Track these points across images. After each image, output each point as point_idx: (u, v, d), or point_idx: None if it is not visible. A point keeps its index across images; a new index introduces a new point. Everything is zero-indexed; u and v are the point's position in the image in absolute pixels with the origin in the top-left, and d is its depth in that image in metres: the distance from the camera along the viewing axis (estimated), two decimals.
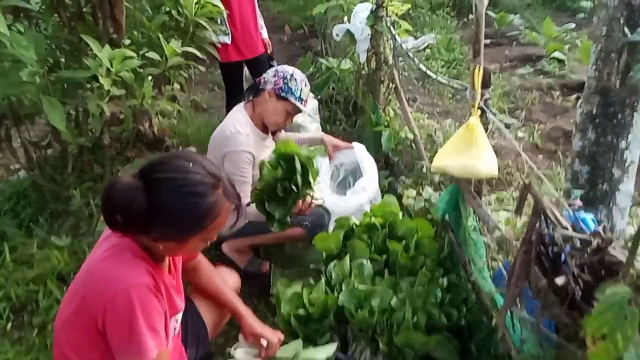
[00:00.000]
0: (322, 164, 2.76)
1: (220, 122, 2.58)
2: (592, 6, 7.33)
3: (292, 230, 2.44)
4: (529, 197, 1.34)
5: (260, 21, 3.81)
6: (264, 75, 2.52)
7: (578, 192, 1.74)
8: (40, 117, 2.82)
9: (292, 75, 2.46)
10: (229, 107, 3.79)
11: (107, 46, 2.51)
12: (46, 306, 2.43)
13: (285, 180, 2.22)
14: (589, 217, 1.64)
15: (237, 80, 3.82)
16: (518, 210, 1.33)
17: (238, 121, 2.46)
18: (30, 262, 2.60)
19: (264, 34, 3.87)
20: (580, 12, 7.46)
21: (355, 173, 2.87)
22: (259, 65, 3.83)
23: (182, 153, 1.57)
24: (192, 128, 4.17)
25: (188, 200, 1.34)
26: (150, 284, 1.36)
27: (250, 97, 2.56)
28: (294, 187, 2.22)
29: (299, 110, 2.51)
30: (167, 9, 3.01)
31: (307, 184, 2.26)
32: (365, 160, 2.75)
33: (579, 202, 1.73)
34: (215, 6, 3.09)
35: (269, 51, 3.97)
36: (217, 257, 2.52)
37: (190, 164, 1.37)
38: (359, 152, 2.76)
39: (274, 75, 2.46)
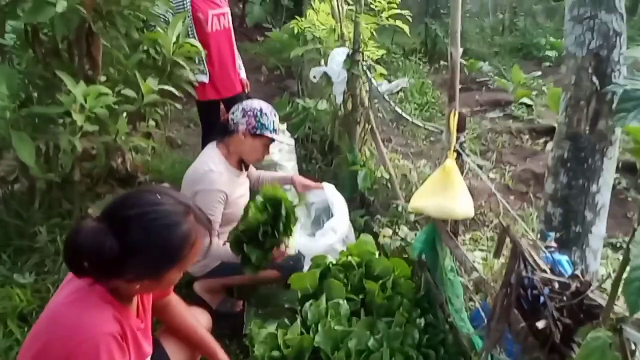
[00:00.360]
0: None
1: (195, 159, 2.56)
2: (557, 55, 7.69)
3: (266, 273, 2.41)
4: (507, 239, 1.35)
5: (239, 61, 3.85)
6: (232, 116, 2.49)
7: (552, 235, 1.76)
8: (8, 152, 2.75)
9: (261, 111, 2.45)
10: (205, 145, 3.78)
11: (81, 82, 2.49)
12: (5, 347, 2.29)
13: (268, 224, 2.21)
14: (563, 258, 1.67)
15: (214, 118, 3.81)
16: (497, 253, 1.34)
17: (212, 159, 2.44)
18: None
19: (242, 73, 3.90)
20: (546, 61, 7.81)
21: (327, 211, 2.86)
22: (236, 104, 3.84)
23: (146, 187, 1.52)
24: (166, 164, 4.12)
25: (162, 233, 1.28)
26: (117, 332, 1.29)
27: (220, 138, 2.54)
28: (275, 233, 2.21)
29: (273, 140, 2.52)
30: (145, 47, 3.01)
31: (287, 231, 2.26)
32: (336, 200, 2.75)
33: (553, 244, 1.75)
34: (194, 46, 3.10)
35: (246, 91, 3.99)
36: (188, 296, 2.45)
37: (158, 196, 1.32)
38: (329, 193, 2.76)
39: (244, 116, 2.44)
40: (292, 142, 3.55)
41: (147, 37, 2.98)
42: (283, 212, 2.21)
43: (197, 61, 3.42)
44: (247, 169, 2.67)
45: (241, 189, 2.57)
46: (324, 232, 2.56)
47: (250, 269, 2.25)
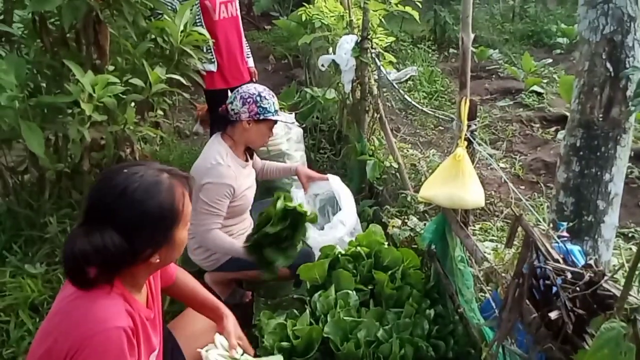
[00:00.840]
0: (298, 196, 2.75)
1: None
2: (568, 42, 7.57)
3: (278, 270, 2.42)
4: (519, 229, 1.33)
5: (247, 50, 3.83)
6: (231, 106, 2.46)
7: (564, 224, 1.74)
8: (18, 142, 2.75)
9: (260, 95, 2.43)
10: (214, 133, 3.78)
11: (89, 72, 2.48)
12: (17, 337, 2.32)
13: (287, 230, 2.30)
14: (576, 248, 1.64)
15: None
16: (509, 243, 1.32)
17: (219, 152, 2.43)
18: (2, 291, 2.49)
19: (250, 62, 3.88)
20: (557, 48, 7.69)
21: (332, 202, 2.85)
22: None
23: (105, 171, 1.52)
24: (174, 154, 4.13)
25: (148, 199, 1.27)
26: (129, 326, 1.28)
27: (222, 129, 2.54)
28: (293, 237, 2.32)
29: (276, 122, 2.54)
30: (153, 36, 2.99)
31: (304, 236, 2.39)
32: (342, 192, 2.73)
33: (565, 234, 1.72)
34: (201, 34, 3.08)
35: (254, 80, 3.97)
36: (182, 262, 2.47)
37: (124, 170, 1.30)
38: (334, 184, 2.75)
39: (244, 104, 2.42)
40: (300, 130, 3.53)
41: (155, 25, 2.96)
42: (303, 225, 2.34)
43: (204, 50, 3.40)
44: (252, 157, 2.66)
45: (248, 181, 2.56)
46: (333, 225, 2.56)
47: (270, 272, 2.31)
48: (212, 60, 3.54)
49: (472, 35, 1.78)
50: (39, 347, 1.29)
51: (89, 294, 1.28)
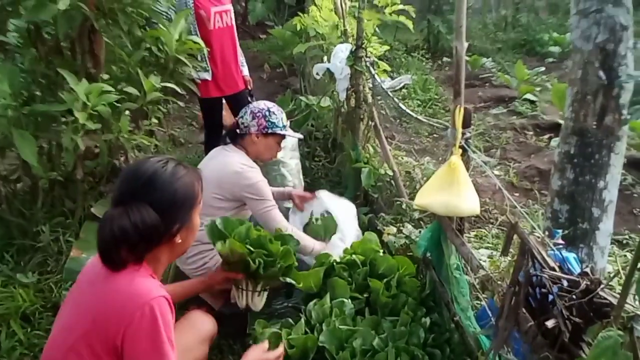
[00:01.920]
0: (295, 220, 2.78)
1: (199, 157, 2.57)
2: (560, 51, 7.64)
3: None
4: (515, 236, 1.33)
5: (242, 58, 3.83)
6: (241, 120, 2.55)
7: (559, 232, 1.74)
8: (11, 150, 2.73)
9: (269, 110, 2.54)
10: (209, 142, 3.77)
11: (84, 80, 2.47)
12: (8, 347, 2.29)
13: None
14: (571, 256, 1.64)
15: (217, 116, 3.81)
16: (505, 250, 1.32)
17: (243, 157, 2.50)
18: None
19: (245, 71, 3.88)
20: (549, 56, 7.76)
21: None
22: (239, 101, 3.83)
23: (134, 163, 1.71)
24: None
25: (175, 180, 1.45)
26: (168, 296, 1.38)
27: (228, 141, 2.58)
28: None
29: (284, 136, 2.62)
30: (148, 45, 3.00)
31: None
32: (335, 206, 2.73)
33: (561, 241, 1.73)
34: (196, 43, 3.09)
35: (249, 88, 3.98)
36: (191, 298, 2.44)
37: (150, 159, 1.48)
38: (325, 198, 2.77)
39: (253, 118, 2.51)
40: (297, 137, 3.54)
41: (150, 34, 2.96)
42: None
43: (199, 58, 3.40)
44: None
45: None
46: (333, 244, 2.56)
47: None
48: (207, 68, 3.54)
49: (465, 44, 1.79)
50: (70, 334, 1.33)
51: (122, 274, 1.37)
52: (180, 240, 1.49)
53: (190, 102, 5.20)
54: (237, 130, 2.56)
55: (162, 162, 1.48)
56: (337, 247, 2.53)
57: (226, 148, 2.58)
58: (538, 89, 6.04)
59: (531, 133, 5.07)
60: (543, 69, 6.62)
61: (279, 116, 2.55)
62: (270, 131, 2.52)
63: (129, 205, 1.37)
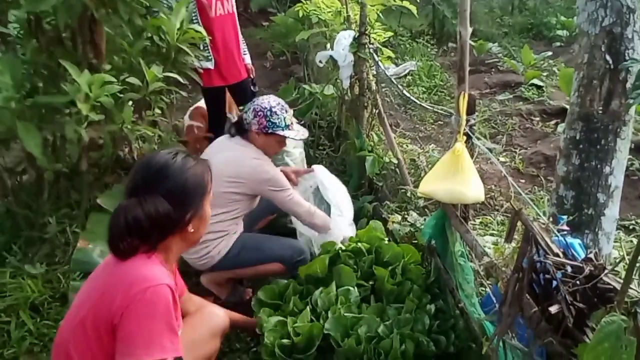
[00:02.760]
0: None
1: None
2: (567, 35, 7.53)
3: (270, 266, 2.46)
4: (519, 223, 1.32)
5: (244, 47, 3.81)
6: (245, 115, 2.52)
7: (564, 218, 1.73)
8: (15, 143, 2.74)
9: (271, 110, 2.47)
10: (212, 131, 3.76)
11: (86, 71, 2.47)
12: (18, 337, 2.31)
13: None
14: (576, 242, 1.63)
15: (220, 105, 3.80)
16: (508, 237, 1.31)
17: (256, 151, 2.50)
18: (2, 291, 2.48)
19: (247, 59, 3.86)
20: (557, 40, 7.66)
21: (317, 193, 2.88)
22: (242, 90, 3.82)
23: (145, 156, 1.74)
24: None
25: (186, 171, 1.51)
26: (173, 287, 1.43)
27: (233, 133, 2.56)
28: None
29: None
30: (149, 34, 2.98)
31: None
32: (328, 181, 2.77)
33: (565, 227, 1.72)
34: (198, 32, 3.07)
35: (251, 76, 3.96)
36: (196, 288, 2.46)
37: (160, 152, 1.54)
38: (319, 174, 2.80)
39: (255, 116, 2.47)
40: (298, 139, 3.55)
41: (151, 23, 2.95)
42: None
43: (201, 47, 3.39)
44: None
45: None
46: (333, 220, 2.56)
47: None
48: (209, 57, 3.53)
49: (470, 29, 1.76)
50: (80, 310, 1.41)
51: (131, 261, 1.42)
52: (192, 230, 1.53)
53: (192, 91, 5.19)
54: (243, 125, 2.54)
55: (172, 154, 1.53)
56: (337, 223, 2.54)
57: (235, 140, 2.55)
58: (545, 73, 5.98)
59: (538, 119, 5.03)
60: (550, 53, 6.54)
61: (281, 116, 2.48)
62: (270, 131, 2.47)
63: (142, 197, 1.42)
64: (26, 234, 2.81)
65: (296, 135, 2.57)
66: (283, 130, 2.49)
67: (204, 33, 3.13)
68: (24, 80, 2.51)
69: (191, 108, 4.00)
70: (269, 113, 2.46)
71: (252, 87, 3.95)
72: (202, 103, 3.97)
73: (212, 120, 3.85)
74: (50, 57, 2.70)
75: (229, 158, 2.46)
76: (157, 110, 3.13)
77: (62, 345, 1.42)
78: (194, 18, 3.36)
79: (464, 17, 1.77)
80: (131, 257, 1.43)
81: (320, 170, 2.81)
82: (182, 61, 3.06)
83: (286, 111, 2.53)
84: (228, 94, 3.85)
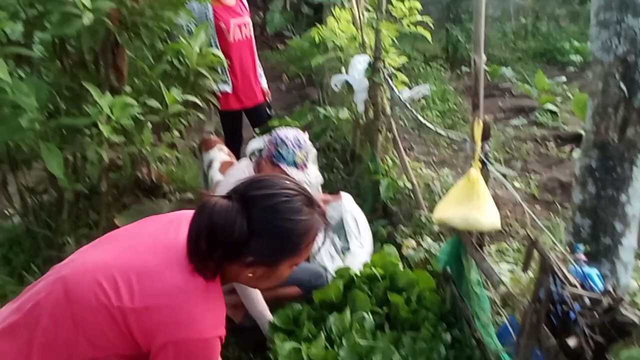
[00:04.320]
0: None
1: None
2: (582, 60, 7.53)
3: (287, 290, 2.43)
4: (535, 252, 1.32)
5: (260, 70, 3.88)
6: (264, 138, 2.54)
7: (581, 247, 1.72)
8: (37, 162, 2.80)
9: (282, 141, 2.41)
10: (231, 152, 3.81)
11: (107, 93, 2.52)
12: None
13: None
14: (593, 272, 1.62)
15: (237, 127, 3.86)
16: (525, 267, 1.31)
17: (245, 172, 2.46)
18: None
19: (263, 83, 3.93)
20: (570, 65, 7.65)
21: (340, 230, 2.81)
22: (257, 113, 3.89)
23: (275, 174, 1.50)
24: (189, 174, 4.16)
25: (288, 216, 1.26)
26: (223, 334, 1.26)
27: (257, 154, 2.58)
28: None
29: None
30: (169, 58, 3.05)
31: None
32: (355, 212, 2.75)
33: (583, 257, 1.70)
34: (216, 56, 3.13)
35: (268, 100, 4.02)
36: None
37: (286, 181, 1.31)
38: (347, 204, 2.76)
39: (269, 142, 2.45)
40: (315, 151, 3.55)
41: (171, 47, 3.01)
42: None
43: (220, 71, 3.45)
44: None
45: None
46: (353, 253, 2.56)
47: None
48: (227, 81, 3.60)
49: (484, 58, 1.79)
50: (100, 285, 1.21)
51: (204, 293, 1.24)
52: (250, 275, 1.31)
53: (209, 113, 5.26)
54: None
55: (292, 191, 1.29)
56: (357, 256, 2.53)
57: (243, 161, 2.57)
58: (559, 99, 5.97)
59: (552, 144, 5.00)
60: (564, 78, 6.54)
61: (290, 150, 2.40)
62: (275, 161, 2.41)
63: (233, 203, 1.24)
64: (45, 254, 2.85)
65: (302, 177, 2.42)
66: (287, 165, 2.40)
67: (222, 57, 3.19)
68: (47, 102, 2.58)
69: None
70: (280, 142, 2.41)
71: (267, 110, 4.00)
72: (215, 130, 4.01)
73: (227, 142, 3.90)
74: (73, 79, 2.77)
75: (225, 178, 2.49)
76: (176, 133, 3.18)
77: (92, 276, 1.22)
78: (212, 42, 3.44)
79: (478, 46, 1.80)
80: (201, 275, 1.24)
81: (347, 199, 2.78)
82: (200, 84, 3.12)
83: (299, 148, 2.43)
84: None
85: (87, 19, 2.32)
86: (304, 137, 2.52)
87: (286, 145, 2.40)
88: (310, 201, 1.30)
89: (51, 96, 2.72)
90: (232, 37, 3.56)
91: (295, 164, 2.42)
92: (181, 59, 3.09)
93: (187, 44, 3.00)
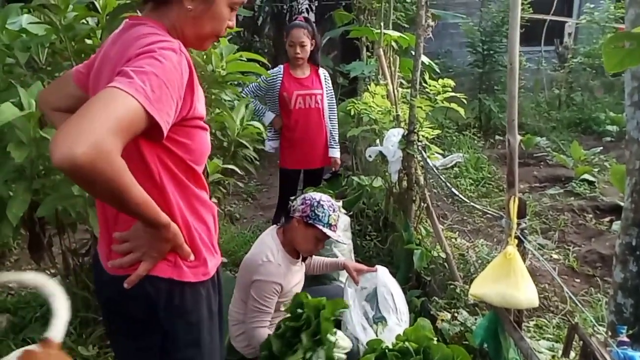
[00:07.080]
0: (349, 292, 2.71)
1: (252, 232, 2.65)
2: (618, 130, 7.48)
3: None
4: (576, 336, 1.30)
5: (333, 140, 4.07)
6: (293, 203, 2.61)
7: (624, 329, 1.67)
8: (80, 223, 2.92)
9: (318, 202, 2.49)
10: (278, 213, 3.93)
11: None
12: None
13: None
14: (637, 355, 1.56)
15: (290, 187, 4.02)
16: (566, 352, 1.29)
17: (270, 249, 2.50)
18: None
19: (333, 152, 4.09)
20: (607, 135, 7.61)
21: (373, 298, 2.79)
22: (313, 178, 4.09)
23: None
24: (225, 238, 4.25)
25: None
26: (179, 47, 1.21)
27: (283, 220, 2.65)
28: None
29: (327, 236, 2.52)
30: (213, 130, 3.22)
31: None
32: (394, 285, 2.73)
33: (626, 339, 1.65)
34: (256, 128, 3.30)
35: (333, 169, 4.26)
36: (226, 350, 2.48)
37: None
38: (382, 276, 2.75)
39: (302, 203, 2.51)
40: (348, 219, 3.60)
41: (215, 120, 3.18)
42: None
43: (269, 134, 3.81)
44: (304, 260, 2.72)
45: (297, 277, 2.62)
46: (391, 329, 2.53)
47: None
48: (275, 139, 3.94)
49: (518, 138, 1.84)
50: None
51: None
52: (190, 7, 1.29)
53: (246, 178, 5.42)
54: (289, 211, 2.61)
55: None
56: (394, 332, 2.48)
57: (268, 232, 2.64)
58: (596, 169, 5.91)
59: (591, 215, 4.91)
60: (600, 148, 6.49)
61: (327, 212, 2.47)
62: (310, 222, 2.46)
63: None
64: (82, 315, 2.91)
65: (338, 237, 2.56)
66: (324, 226, 2.47)
67: (262, 129, 3.37)
68: None
69: None
70: (315, 204, 2.48)
71: (324, 178, 4.25)
72: None
73: (280, 201, 4.08)
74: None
75: (246, 258, 2.56)
76: (214, 199, 3.29)
77: None
78: (273, 108, 3.90)
79: (512, 127, 1.86)
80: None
81: (383, 272, 2.77)
82: (241, 154, 3.26)
83: (334, 210, 2.53)
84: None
85: None
86: (337, 203, 2.61)
87: (322, 207, 2.48)
88: None
89: None
90: (292, 105, 3.85)
91: (330, 225, 2.49)
92: (223, 130, 3.26)
93: (229, 117, 3.17)
